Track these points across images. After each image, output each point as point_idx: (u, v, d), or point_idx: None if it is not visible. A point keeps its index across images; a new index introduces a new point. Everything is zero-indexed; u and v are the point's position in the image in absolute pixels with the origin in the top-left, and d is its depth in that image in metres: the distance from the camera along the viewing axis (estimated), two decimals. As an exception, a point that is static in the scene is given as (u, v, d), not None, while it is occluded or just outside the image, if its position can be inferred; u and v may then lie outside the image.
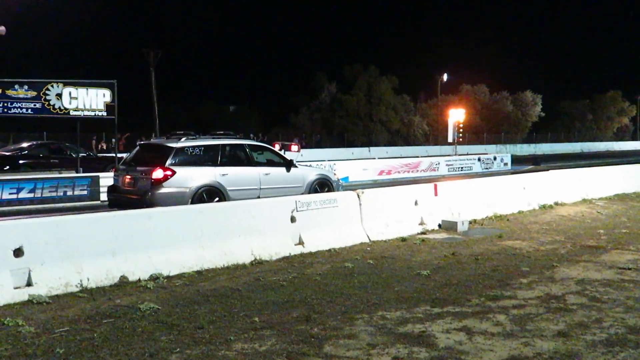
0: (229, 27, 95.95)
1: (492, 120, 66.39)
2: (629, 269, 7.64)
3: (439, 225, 10.96)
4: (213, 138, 12.27)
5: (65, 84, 17.08)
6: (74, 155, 19.84)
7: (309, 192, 12.30)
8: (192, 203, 10.67)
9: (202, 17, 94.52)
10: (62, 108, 16.99)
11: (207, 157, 11.63)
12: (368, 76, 58.46)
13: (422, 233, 10.46)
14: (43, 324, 5.45)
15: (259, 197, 11.25)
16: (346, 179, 22.96)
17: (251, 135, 48.92)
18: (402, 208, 10.64)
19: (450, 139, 36.00)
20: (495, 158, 31.25)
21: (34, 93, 16.64)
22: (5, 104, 16.43)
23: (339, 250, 9.00)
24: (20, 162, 19.46)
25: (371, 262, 8.20)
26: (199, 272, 7.50)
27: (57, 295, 6.37)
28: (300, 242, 8.86)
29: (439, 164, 27.50)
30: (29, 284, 6.35)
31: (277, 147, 26.42)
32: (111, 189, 12.07)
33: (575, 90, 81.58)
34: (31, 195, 14.88)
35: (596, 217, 12.39)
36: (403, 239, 9.86)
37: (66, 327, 5.36)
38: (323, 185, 13.10)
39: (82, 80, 17.74)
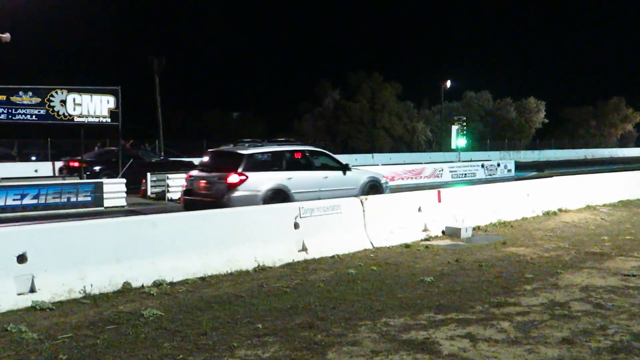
0: (233, 33, 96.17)
1: (495, 127, 66.35)
2: (634, 275, 7.60)
3: (443, 232, 10.93)
4: (277, 145, 13.30)
5: (70, 91, 17.13)
6: (147, 160, 22.11)
7: (362, 194, 12.75)
8: (263, 204, 11.31)
9: (206, 24, 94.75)
10: (66, 114, 17.04)
11: (274, 162, 12.68)
12: (372, 83, 58.47)
13: (426, 239, 10.44)
14: (46, 331, 5.45)
15: (319, 199, 11.45)
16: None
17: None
18: (406, 214, 10.62)
19: (453, 146, 36.00)
20: (498, 164, 31.19)
21: (38, 99, 16.69)
22: (10, 111, 16.48)
23: (343, 256, 8.99)
24: (96, 168, 20.52)
25: (375, 268, 8.18)
26: (202, 279, 7.50)
27: (60, 302, 6.37)
28: (304, 249, 8.85)
29: (442, 170, 27.46)
30: (32, 290, 6.35)
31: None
32: (186, 193, 12.95)
33: (578, 97, 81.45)
34: (35, 201, 14.91)
35: (600, 224, 12.35)
36: (407, 246, 9.84)
37: (69, 334, 5.36)
38: (373, 187, 13.81)
39: (86, 87, 17.80)
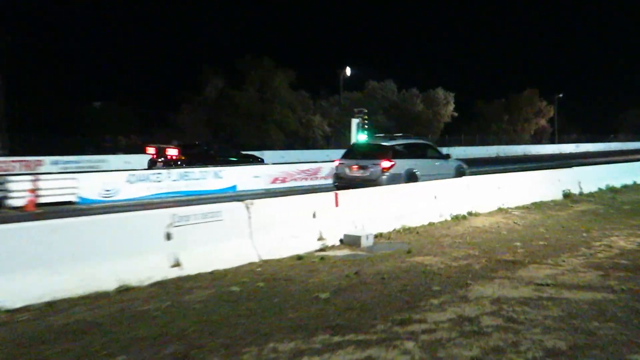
0: (96, 12, 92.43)
1: (401, 120, 68.31)
2: (547, 285, 8.00)
3: (341, 241, 11.06)
4: (404, 139, 20.25)
5: None
6: (212, 153, 27.30)
7: (454, 177, 18.43)
8: (404, 182, 16.58)
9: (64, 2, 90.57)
10: None
11: (406, 152, 18.80)
12: (261, 69, 58.15)
13: (322, 249, 10.52)
14: None
15: (432, 180, 15.77)
16: (234, 188, 22.81)
17: (122, 136, 47.50)
18: (299, 221, 10.65)
19: (353, 141, 36.58)
20: (404, 163, 31.94)
21: None
22: None
23: (224, 271, 8.88)
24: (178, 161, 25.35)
25: (262, 284, 8.12)
26: (49, 304, 7.13)
27: None
28: (178, 264, 8.64)
29: (341, 170, 27.76)
30: None
31: (152, 151, 26.13)
32: (337, 177, 19.03)
33: (490, 89, 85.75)
34: None
35: (512, 228, 12.96)
36: (299, 257, 9.87)
37: None
38: (460, 172, 19.99)
39: None
